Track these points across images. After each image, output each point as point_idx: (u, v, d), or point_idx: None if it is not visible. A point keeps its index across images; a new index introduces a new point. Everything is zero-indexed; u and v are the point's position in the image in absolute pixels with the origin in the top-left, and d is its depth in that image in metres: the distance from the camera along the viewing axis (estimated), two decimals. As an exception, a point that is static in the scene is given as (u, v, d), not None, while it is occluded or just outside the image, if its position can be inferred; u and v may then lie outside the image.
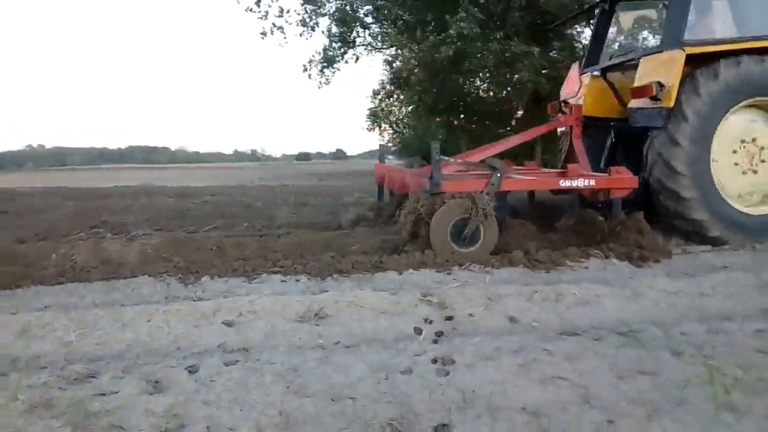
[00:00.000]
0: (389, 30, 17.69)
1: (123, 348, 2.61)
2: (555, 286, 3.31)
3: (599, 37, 6.28)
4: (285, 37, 18.48)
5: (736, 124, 4.83)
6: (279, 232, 5.33)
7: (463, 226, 4.21)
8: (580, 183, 4.62)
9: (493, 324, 2.86)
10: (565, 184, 4.66)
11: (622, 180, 4.57)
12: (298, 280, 3.68)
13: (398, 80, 19.02)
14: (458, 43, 12.53)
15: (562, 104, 6.27)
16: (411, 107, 20.39)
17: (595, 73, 5.99)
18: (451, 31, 12.20)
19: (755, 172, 4.92)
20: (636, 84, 4.94)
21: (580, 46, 16.17)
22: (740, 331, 2.65)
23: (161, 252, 4.44)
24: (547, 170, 5.62)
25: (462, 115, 18.02)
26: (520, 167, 5.72)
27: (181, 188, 12.59)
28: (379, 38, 18.72)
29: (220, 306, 2.96)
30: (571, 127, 5.76)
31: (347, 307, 2.98)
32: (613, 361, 2.30)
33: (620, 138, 5.87)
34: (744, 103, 4.74)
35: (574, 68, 6.29)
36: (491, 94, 16.91)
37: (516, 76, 13.77)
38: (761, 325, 2.73)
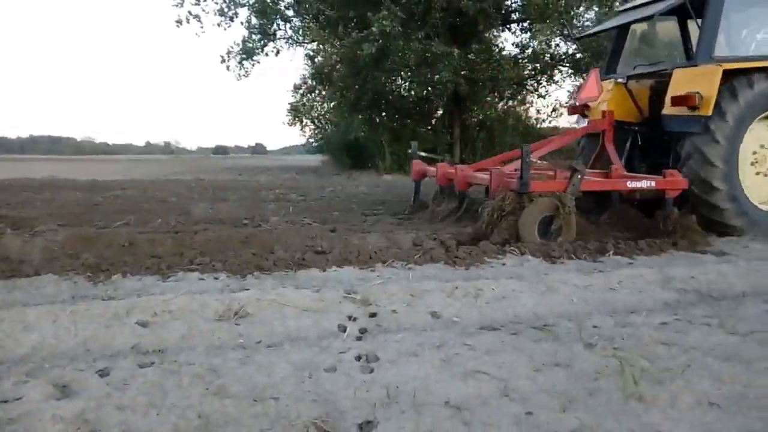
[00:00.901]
0: (311, 24, 17.55)
1: (26, 351, 2.43)
2: (475, 282, 3.39)
3: (617, 48, 6.91)
4: (202, 27, 17.97)
5: (757, 131, 5.47)
6: (196, 228, 5.14)
7: (548, 222, 4.68)
8: (643, 184, 5.19)
9: (416, 320, 2.90)
10: (631, 185, 5.25)
11: (676, 182, 5.14)
12: (216, 278, 3.57)
13: (320, 76, 18.93)
14: (380, 41, 12.63)
15: (584, 108, 6.76)
16: (333, 103, 20.34)
17: (620, 80, 6.52)
18: (374, 29, 12.28)
19: (767, 174, 5.63)
20: (672, 93, 5.47)
21: (497, 50, 16.73)
22: (645, 324, 2.82)
23: (67, 249, 4.17)
24: (599, 171, 6.05)
25: (384, 113, 18.18)
26: None
27: (89, 181, 11.92)
28: (300, 32, 18.55)
29: (133, 305, 2.81)
30: (603, 130, 6.22)
31: (269, 306, 2.92)
32: (530, 355, 2.38)
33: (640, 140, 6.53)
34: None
35: (595, 74, 6.73)
36: (413, 92, 17.17)
37: (437, 76, 14.05)
38: (664, 318, 2.92)
